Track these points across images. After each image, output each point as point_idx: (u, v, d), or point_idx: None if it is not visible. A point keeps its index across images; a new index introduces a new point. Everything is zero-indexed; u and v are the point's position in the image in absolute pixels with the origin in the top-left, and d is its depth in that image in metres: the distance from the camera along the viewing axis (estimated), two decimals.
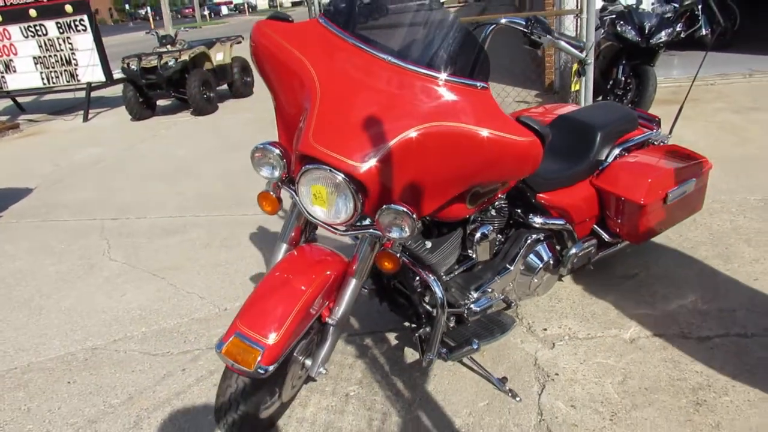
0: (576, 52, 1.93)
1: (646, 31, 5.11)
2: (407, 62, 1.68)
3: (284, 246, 1.99)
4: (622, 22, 5.18)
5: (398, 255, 1.78)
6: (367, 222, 1.79)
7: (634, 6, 5.39)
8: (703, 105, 5.62)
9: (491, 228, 2.13)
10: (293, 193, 1.85)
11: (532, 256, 2.31)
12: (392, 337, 2.56)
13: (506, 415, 2.06)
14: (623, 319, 2.53)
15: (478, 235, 2.10)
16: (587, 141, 2.47)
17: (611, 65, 5.41)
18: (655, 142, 2.71)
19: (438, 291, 1.88)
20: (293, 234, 2.00)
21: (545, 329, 2.51)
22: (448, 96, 1.65)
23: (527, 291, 2.34)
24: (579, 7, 4.54)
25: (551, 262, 2.35)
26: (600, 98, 5.37)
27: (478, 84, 1.68)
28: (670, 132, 2.80)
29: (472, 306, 2.12)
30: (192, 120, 7.70)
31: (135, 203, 4.69)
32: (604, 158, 2.51)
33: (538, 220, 2.31)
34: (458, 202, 1.87)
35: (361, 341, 2.55)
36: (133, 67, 7.54)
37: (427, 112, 1.63)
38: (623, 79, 5.32)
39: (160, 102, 8.47)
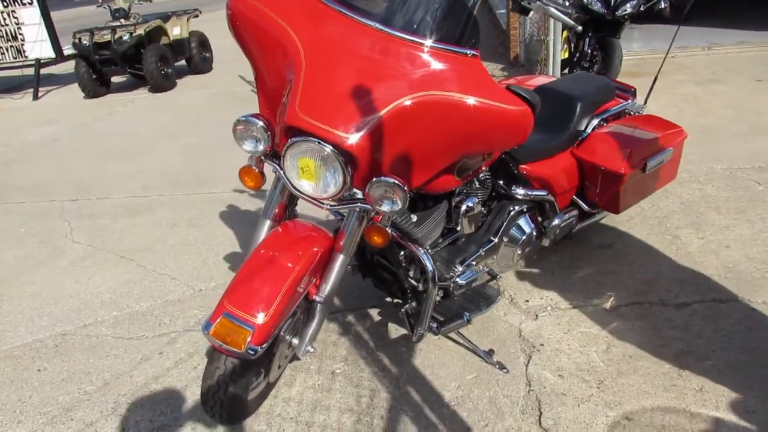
0: (567, 19, 1.90)
1: (612, 3, 5.13)
2: (396, 29, 1.62)
3: (268, 222, 1.92)
4: None
5: (388, 229, 1.74)
6: (356, 195, 1.74)
7: None
8: (666, 77, 5.70)
9: (476, 200, 2.11)
10: (278, 168, 1.78)
11: (515, 228, 2.30)
12: (375, 313, 2.53)
13: (495, 387, 2.06)
14: (603, 289, 2.56)
15: (464, 207, 2.07)
16: (568, 112, 2.46)
17: (578, 37, 5.42)
18: (632, 113, 2.72)
19: (429, 264, 1.85)
20: (277, 210, 1.93)
21: (527, 301, 2.52)
22: (437, 64, 1.61)
23: (511, 263, 2.34)
24: None
25: (534, 233, 2.34)
26: (566, 70, 5.40)
27: (468, 51, 1.64)
28: (645, 102, 2.82)
29: (457, 279, 2.10)
30: (150, 97, 7.42)
31: (95, 183, 4.50)
32: (583, 129, 2.51)
33: (520, 192, 2.29)
34: (446, 174, 1.84)
35: (344, 318, 2.51)
36: (85, 42, 7.19)
37: (417, 82, 1.58)
38: (590, 51, 5.34)
39: (115, 79, 8.12)
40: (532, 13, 1.79)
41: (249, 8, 1.75)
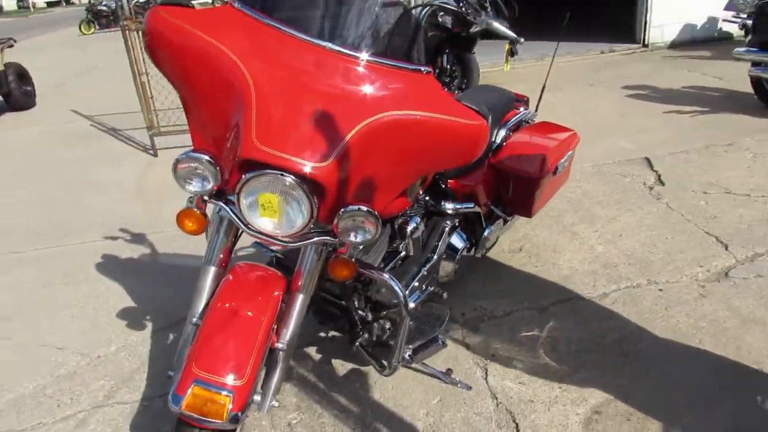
0: (510, 33, 1.94)
1: (465, 21, 5.45)
2: (348, 48, 1.52)
3: (212, 269, 1.70)
4: (442, 13, 5.44)
5: (354, 260, 1.63)
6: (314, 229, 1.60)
7: None
8: (513, 88, 6.19)
9: (419, 219, 2.07)
10: (225, 208, 1.59)
11: (451, 242, 2.30)
12: (314, 352, 2.37)
13: (464, 407, 2.02)
14: (528, 292, 2.65)
15: (410, 228, 2.01)
16: None
17: (436, 54, 5.66)
18: (528, 121, 2.87)
19: (398, 289, 1.76)
20: (222, 255, 1.71)
21: (463, 314, 2.53)
22: (395, 83, 1.54)
23: (451, 277, 2.33)
24: None
25: (467, 245, 2.36)
26: None
27: (423, 68, 1.60)
28: (536, 110, 3.00)
29: (408, 302, 2.04)
30: None
31: None
32: (494, 139, 2.59)
33: (450, 207, 2.29)
34: (401, 196, 1.77)
35: None
36: None
37: (376, 102, 1.50)
38: (449, 66, 5.61)
39: None
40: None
41: (175, 30, 1.55)
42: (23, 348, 2.58)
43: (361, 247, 1.79)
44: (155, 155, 5.28)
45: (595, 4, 9.60)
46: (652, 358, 2.15)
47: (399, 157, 1.56)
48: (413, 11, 1.79)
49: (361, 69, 1.52)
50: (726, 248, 2.83)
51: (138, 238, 3.56)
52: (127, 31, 4.99)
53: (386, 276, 1.79)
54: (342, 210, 1.48)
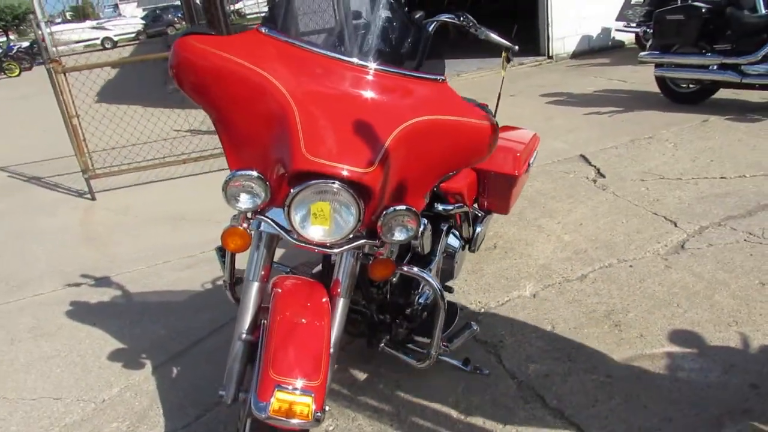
0: (505, 42, 2.11)
1: None
2: (375, 63, 1.66)
3: (256, 284, 1.72)
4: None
5: (393, 260, 1.73)
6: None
7: None
8: None
9: (426, 220, 2.20)
10: (270, 222, 1.65)
11: (449, 242, 2.44)
12: None
13: (489, 390, 2.14)
14: (514, 281, 2.83)
15: (421, 228, 2.14)
16: None
17: None
18: None
19: (435, 283, 1.87)
20: (263, 271, 1.75)
21: (461, 309, 2.66)
22: (419, 91, 1.69)
23: (453, 275, 2.47)
24: None
25: (462, 243, 2.51)
26: None
27: (439, 77, 1.75)
28: (495, 115, 3.22)
29: (420, 300, 2.15)
30: None
31: None
32: None
33: (442, 208, 2.44)
34: (420, 198, 1.90)
35: None
36: None
37: (406, 109, 1.64)
38: None
39: None
40: None
41: (205, 56, 1.61)
42: (13, 404, 2.44)
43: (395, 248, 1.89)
44: (93, 199, 5.09)
45: (498, 19, 10.24)
46: (642, 324, 2.38)
47: (428, 158, 1.70)
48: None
49: (388, 81, 1.65)
50: (675, 225, 3.16)
51: (103, 281, 3.45)
52: (54, 74, 4.82)
53: (425, 272, 1.90)
54: (386, 211, 1.58)
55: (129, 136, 5.69)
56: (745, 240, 2.90)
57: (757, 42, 4.70)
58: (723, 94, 5.35)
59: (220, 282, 3.29)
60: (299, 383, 1.45)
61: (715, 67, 4.92)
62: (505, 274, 2.91)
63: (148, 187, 5.25)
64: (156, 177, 5.40)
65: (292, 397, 1.43)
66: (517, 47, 2.16)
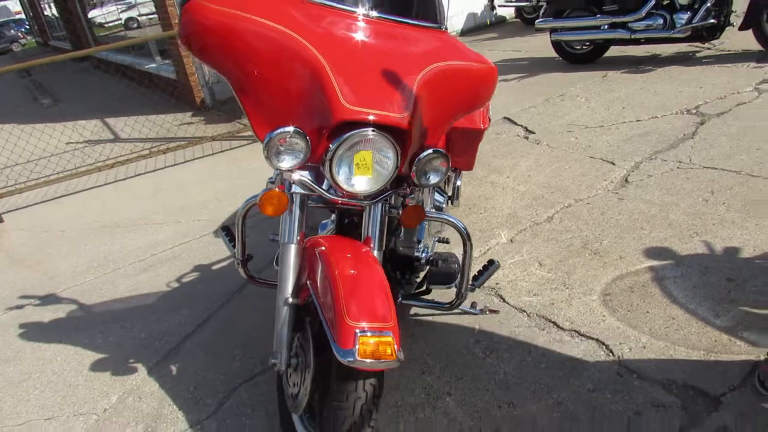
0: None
1: None
2: (390, 14, 1.70)
3: (293, 247, 1.70)
4: None
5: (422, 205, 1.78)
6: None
7: None
8: None
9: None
10: (307, 180, 1.64)
11: (436, 197, 2.52)
12: None
13: (503, 326, 2.26)
14: (488, 232, 2.97)
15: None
16: None
17: None
18: None
19: (461, 225, 1.94)
20: (299, 232, 1.73)
21: None
22: (430, 40, 1.75)
23: (441, 229, 2.55)
24: None
25: (446, 198, 2.61)
26: None
27: (443, 27, 1.82)
28: None
29: (422, 255, 2.22)
30: None
31: None
32: None
33: None
34: (438, 142, 1.96)
35: None
36: None
37: (423, 57, 1.70)
38: None
39: None
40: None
41: (221, 16, 1.56)
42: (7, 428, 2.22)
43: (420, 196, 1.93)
44: (0, 221, 4.63)
45: None
46: (617, 248, 2.61)
47: (444, 102, 1.76)
48: None
49: (403, 31, 1.70)
50: (613, 164, 3.46)
51: (50, 299, 3.19)
52: None
53: (450, 216, 1.97)
54: (420, 155, 1.63)
55: (17, 156, 5.26)
56: (677, 167, 3.24)
57: (639, 1, 5.20)
58: (612, 52, 5.87)
59: (187, 279, 3.17)
60: (377, 326, 1.47)
61: (606, 27, 5.38)
62: (477, 227, 3.04)
63: (60, 202, 4.86)
64: (66, 191, 5.02)
65: (375, 339, 1.45)
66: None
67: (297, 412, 1.74)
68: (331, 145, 1.55)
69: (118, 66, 9.66)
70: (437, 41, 1.76)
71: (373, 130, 1.53)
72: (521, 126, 4.43)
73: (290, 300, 1.67)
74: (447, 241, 2.42)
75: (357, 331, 1.45)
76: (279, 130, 1.52)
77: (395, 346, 1.46)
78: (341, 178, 1.59)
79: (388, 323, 1.48)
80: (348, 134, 1.52)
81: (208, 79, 7.11)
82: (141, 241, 3.72)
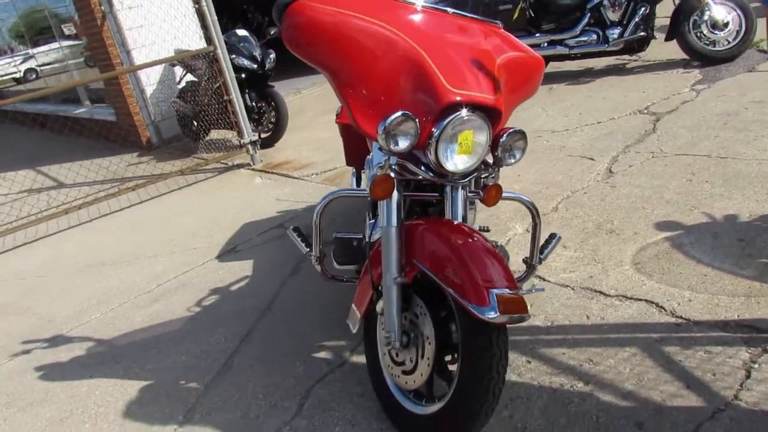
0: None
1: (259, 59, 5.74)
2: (466, 12, 1.89)
3: (394, 229, 1.80)
4: (234, 56, 5.62)
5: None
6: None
7: (238, 39, 5.89)
8: (300, 116, 6.69)
9: None
10: (409, 164, 1.76)
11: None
12: None
13: (553, 302, 2.42)
14: (502, 225, 3.16)
15: None
16: None
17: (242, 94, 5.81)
18: None
19: (531, 203, 2.11)
20: (398, 215, 1.82)
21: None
22: (494, 34, 1.95)
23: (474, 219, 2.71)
24: None
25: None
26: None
27: (499, 23, 2.02)
28: None
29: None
30: None
31: None
32: None
33: None
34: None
35: None
36: None
37: (494, 48, 1.89)
38: (254, 104, 5.82)
39: None
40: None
41: (327, 15, 1.70)
42: None
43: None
44: None
45: None
46: (629, 226, 2.87)
47: (511, 88, 1.94)
48: None
49: (471, 25, 1.88)
50: (593, 159, 3.78)
51: (59, 339, 3.05)
52: None
53: (521, 195, 2.13)
54: (505, 134, 1.80)
55: None
56: (653, 157, 3.60)
57: (573, 20, 5.71)
58: (549, 68, 6.34)
59: (208, 302, 3.13)
60: (506, 283, 1.59)
61: (545, 45, 5.84)
62: (489, 222, 3.22)
63: (26, 249, 4.60)
64: (26, 238, 4.76)
65: (509, 295, 1.57)
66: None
67: (413, 387, 1.82)
68: (434, 128, 1.68)
69: (36, 116, 9.13)
70: (497, 35, 1.95)
71: (474, 112, 1.68)
72: None
73: (398, 279, 1.76)
74: (488, 230, 2.58)
75: (489, 290, 1.56)
76: (393, 116, 1.63)
77: (525, 301, 1.59)
78: (447, 158, 1.72)
79: (512, 282, 1.61)
80: (454, 115, 1.66)
81: (154, 118, 6.98)
82: (139, 275, 3.62)
